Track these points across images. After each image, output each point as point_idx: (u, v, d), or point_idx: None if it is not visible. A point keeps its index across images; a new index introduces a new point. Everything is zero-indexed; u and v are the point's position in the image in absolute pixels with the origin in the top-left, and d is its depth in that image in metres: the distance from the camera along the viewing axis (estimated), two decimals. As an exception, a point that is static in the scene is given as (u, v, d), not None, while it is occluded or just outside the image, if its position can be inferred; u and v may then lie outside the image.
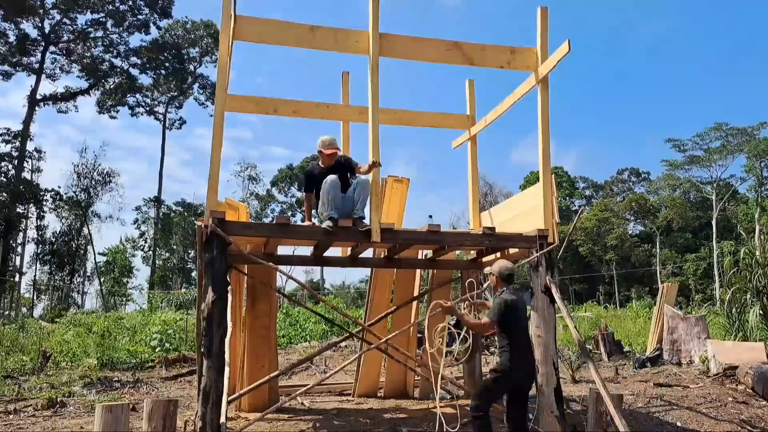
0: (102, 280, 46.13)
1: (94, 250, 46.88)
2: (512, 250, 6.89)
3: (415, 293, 8.35)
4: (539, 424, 5.74)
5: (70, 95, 43.94)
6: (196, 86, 51.75)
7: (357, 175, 6.09)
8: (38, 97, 41.14)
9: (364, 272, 38.32)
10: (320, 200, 5.94)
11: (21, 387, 8.87)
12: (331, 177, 5.90)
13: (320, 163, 6.18)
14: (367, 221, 5.90)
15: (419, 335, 9.30)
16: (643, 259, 52.56)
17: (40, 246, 43.36)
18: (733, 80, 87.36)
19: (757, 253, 10.76)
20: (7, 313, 31.14)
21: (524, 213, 6.82)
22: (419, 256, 7.98)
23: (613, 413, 4.93)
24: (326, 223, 5.69)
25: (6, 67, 39.98)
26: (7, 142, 39.36)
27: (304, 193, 6.28)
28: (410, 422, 6.43)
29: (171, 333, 14.29)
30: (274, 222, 5.71)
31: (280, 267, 6.36)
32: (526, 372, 5.00)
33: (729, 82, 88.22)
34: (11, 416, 7.08)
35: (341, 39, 5.98)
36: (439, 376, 5.69)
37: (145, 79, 48.38)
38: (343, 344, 13.88)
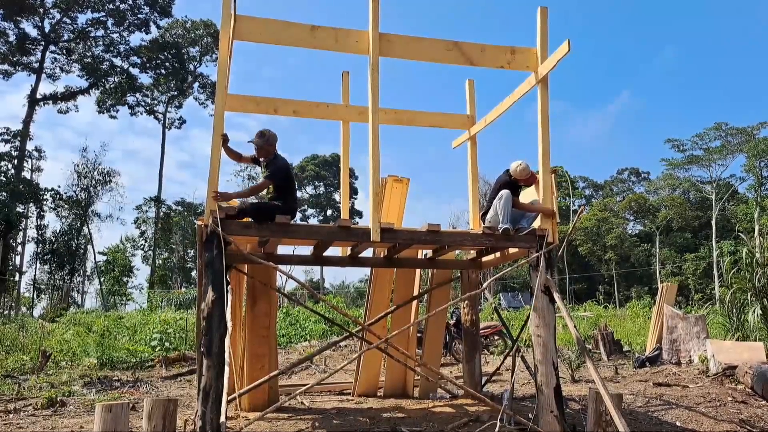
0: (102, 279, 46.12)
1: (94, 250, 46.94)
2: (512, 250, 6.90)
3: (415, 293, 8.35)
4: (539, 424, 5.74)
5: (70, 95, 43.95)
6: (196, 86, 51.82)
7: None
8: (38, 96, 41.15)
9: (364, 272, 38.34)
10: (494, 210, 6.45)
11: (21, 386, 8.87)
12: (508, 192, 6.40)
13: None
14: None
15: (419, 335, 9.31)
16: (643, 258, 52.60)
17: (40, 245, 43.38)
18: (734, 79, 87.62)
19: (757, 253, 10.77)
20: (7, 312, 31.13)
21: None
22: (419, 256, 7.99)
23: (613, 413, 4.94)
24: (503, 229, 6.21)
25: (6, 67, 40.01)
26: (6, 141, 39.38)
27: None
28: (410, 422, 6.43)
29: (171, 332, 14.32)
30: (274, 222, 5.71)
31: (280, 267, 6.36)
32: None
33: (729, 82, 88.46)
34: (11, 415, 7.08)
35: (341, 39, 5.98)
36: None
37: (145, 79, 48.45)
38: (342, 344, 13.90)
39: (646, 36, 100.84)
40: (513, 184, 6.64)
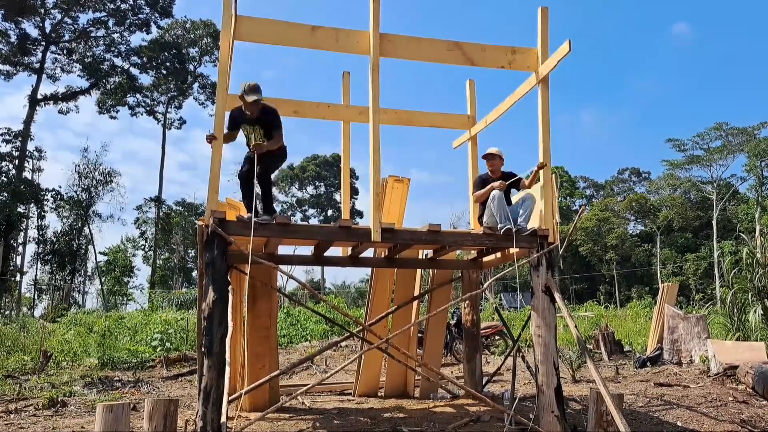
0: (103, 279, 46.18)
1: (95, 250, 47.00)
2: (513, 250, 6.89)
3: (416, 293, 8.35)
4: (540, 424, 5.74)
5: (70, 95, 43.96)
6: (196, 86, 51.80)
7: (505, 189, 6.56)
8: (39, 96, 41.15)
9: (365, 272, 38.35)
10: (489, 211, 6.41)
11: (22, 386, 8.88)
12: (499, 193, 6.36)
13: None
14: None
15: (420, 335, 9.31)
16: (644, 258, 52.59)
17: (41, 246, 43.39)
18: (733, 80, 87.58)
19: (758, 253, 10.76)
20: (8, 312, 31.14)
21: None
22: (420, 256, 7.99)
23: (614, 413, 4.94)
24: (504, 229, 6.21)
25: (7, 67, 40.03)
26: (7, 141, 39.38)
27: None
28: (411, 422, 6.43)
29: (172, 332, 14.33)
30: (275, 222, 5.71)
31: (281, 267, 6.36)
32: None
33: (729, 83, 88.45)
34: (12, 416, 7.09)
35: (342, 39, 5.98)
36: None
37: (146, 79, 48.47)
38: (343, 344, 13.89)
39: (649, 19, 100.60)
40: (485, 179, 6.78)
